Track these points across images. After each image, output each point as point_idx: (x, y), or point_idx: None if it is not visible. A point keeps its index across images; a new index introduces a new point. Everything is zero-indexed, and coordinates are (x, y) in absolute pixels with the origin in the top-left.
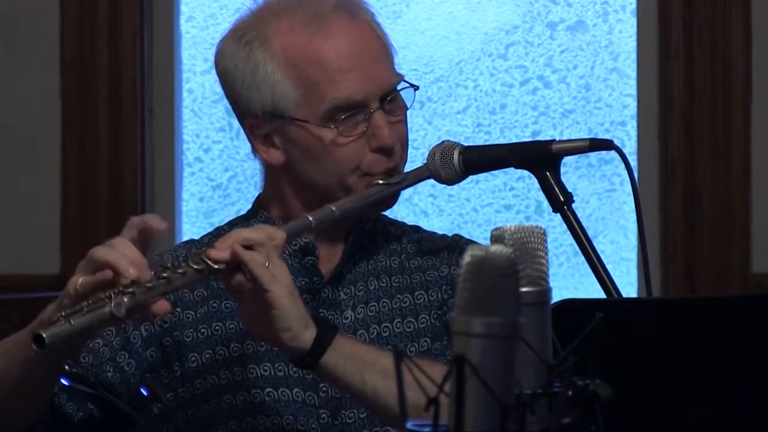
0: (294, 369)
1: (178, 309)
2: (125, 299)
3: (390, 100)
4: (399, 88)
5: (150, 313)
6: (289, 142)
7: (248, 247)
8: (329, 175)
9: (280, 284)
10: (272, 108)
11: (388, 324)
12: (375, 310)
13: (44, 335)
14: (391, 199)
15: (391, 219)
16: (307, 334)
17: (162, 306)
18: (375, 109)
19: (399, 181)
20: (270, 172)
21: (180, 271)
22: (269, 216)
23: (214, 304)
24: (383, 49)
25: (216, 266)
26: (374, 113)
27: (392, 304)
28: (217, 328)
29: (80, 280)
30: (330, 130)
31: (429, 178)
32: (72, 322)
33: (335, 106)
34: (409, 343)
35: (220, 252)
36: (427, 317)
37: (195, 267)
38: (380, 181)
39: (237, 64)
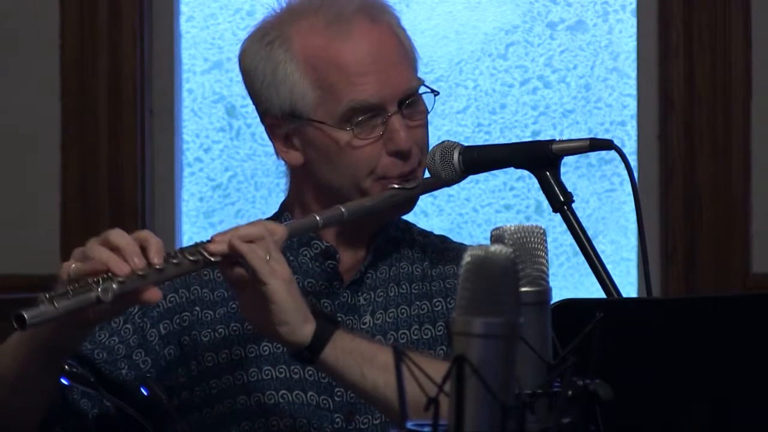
0: (309, 372)
1: (197, 308)
2: (114, 285)
3: (409, 104)
4: (419, 92)
5: (140, 300)
6: (307, 143)
7: (248, 241)
8: (345, 177)
9: (278, 278)
10: (290, 108)
11: (405, 331)
12: (393, 317)
13: (25, 315)
14: (408, 204)
15: (420, 229)
16: (305, 329)
17: (153, 294)
18: (393, 112)
19: (414, 186)
20: (293, 175)
21: (174, 261)
22: (293, 218)
23: (234, 306)
24: (403, 54)
25: (212, 259)
26: (392, 117)
27: (411, 311)
28: (234, 328)
29: (73, 266)
30: (346, 132)
31: (444, 186)
32: (56, 304)
33: (351, 107)
34: (426, 351)
35: (219, 245)
36: (443, 325)
37: (190, 258)
38: (395, 186)
39: (258, 64)
